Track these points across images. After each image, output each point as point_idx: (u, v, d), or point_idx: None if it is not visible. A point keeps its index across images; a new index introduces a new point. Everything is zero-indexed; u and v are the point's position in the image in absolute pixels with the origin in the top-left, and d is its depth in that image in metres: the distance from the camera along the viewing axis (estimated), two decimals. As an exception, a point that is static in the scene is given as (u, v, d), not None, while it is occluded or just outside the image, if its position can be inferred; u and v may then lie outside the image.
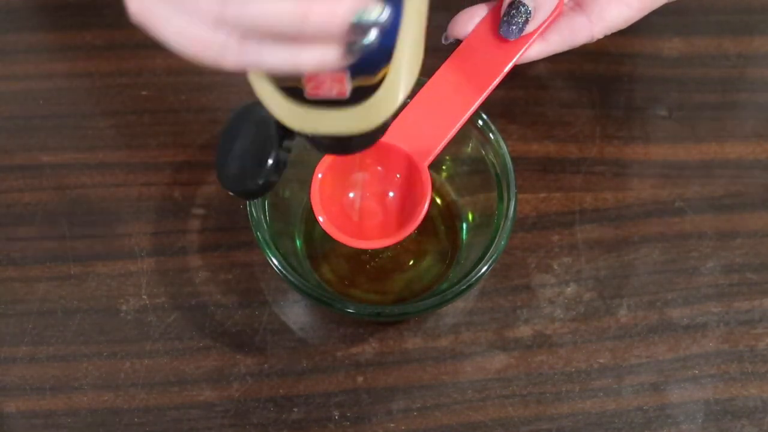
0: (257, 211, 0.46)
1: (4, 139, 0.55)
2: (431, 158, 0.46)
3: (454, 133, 0.46)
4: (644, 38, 0.59)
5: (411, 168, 0.45)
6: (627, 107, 0.57)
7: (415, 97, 0.46)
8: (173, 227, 0.53)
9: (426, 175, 0.45)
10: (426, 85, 0.46)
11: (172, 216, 0.53)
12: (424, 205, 0.45)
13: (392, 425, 0.48)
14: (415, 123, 0.45)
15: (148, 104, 0.56)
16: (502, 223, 0.46)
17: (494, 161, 0.48)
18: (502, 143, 0.47)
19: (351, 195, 0.47)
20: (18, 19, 0.59)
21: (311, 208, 0.52)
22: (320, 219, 0.45)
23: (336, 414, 0.48)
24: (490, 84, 0.46)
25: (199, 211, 0.53)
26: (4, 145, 0.55)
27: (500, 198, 0.47)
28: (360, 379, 0.49)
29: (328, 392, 0.49)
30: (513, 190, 0.46)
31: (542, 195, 0.54)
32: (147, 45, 0.58)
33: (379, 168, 0.47)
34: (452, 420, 0.48)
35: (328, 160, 0.45)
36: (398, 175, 0.46)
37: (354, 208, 0.47)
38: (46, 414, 0.48)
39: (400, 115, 0.45)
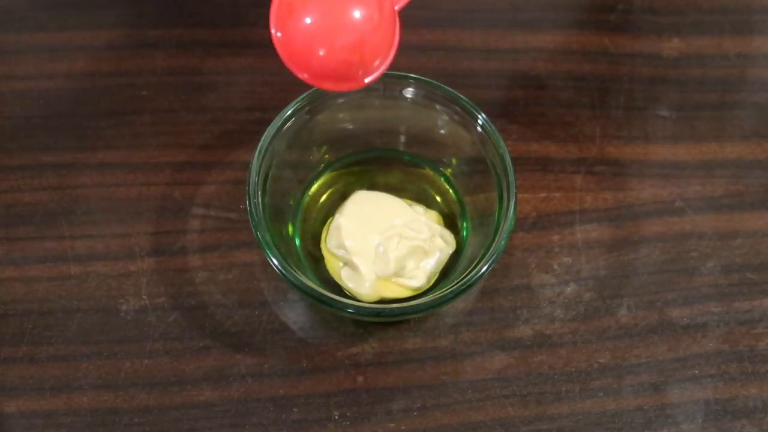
0: (257, 211, 0.46)
1: (4, 139, 0.55)
2: (403, 3, 0.42)
3: None
4: (644, 38, 0.59)
5: (384, 5, 0.41)
6: (627, 107, 0.57)
7: None
8: (173, 227, 0.53)
9: (396, 18, 0.42)
10: None
11: (172, 216, 0.53)
12: (390, 53, 0.42)
13: (392, 425, 0.48)
14: None
15: (148, 104, 0.56)
16: (502, 223, 0.46)
17: (494, 161, 0.48)
18: (502, 143, 0.47)
19: (309, 21, 0.41)
20: (18, 19, 0.59)
21: (309, 207, 0.52)
22: (276, 34, 0.41)
23: (336, 414, 0.48)
24: None
25: (199, 211, 0.53)
26: (4, 145, 0.55)
27: (500, 198, 0.47)
28: (360, 379, 0.49)
29: (328, 392, 0.49)
30: (513, 190, 0.46)
31: (542, 195, 0.54)
32: (147, 45, 0.58)
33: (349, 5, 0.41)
34: (452, 420, 0.48)
35: None
36: (367, 10, 0.41)
37: (314, 38, 0.41)
38: (46, 414, 0.48)
39: None
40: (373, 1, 0.41)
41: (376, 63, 0.42)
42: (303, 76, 0.41)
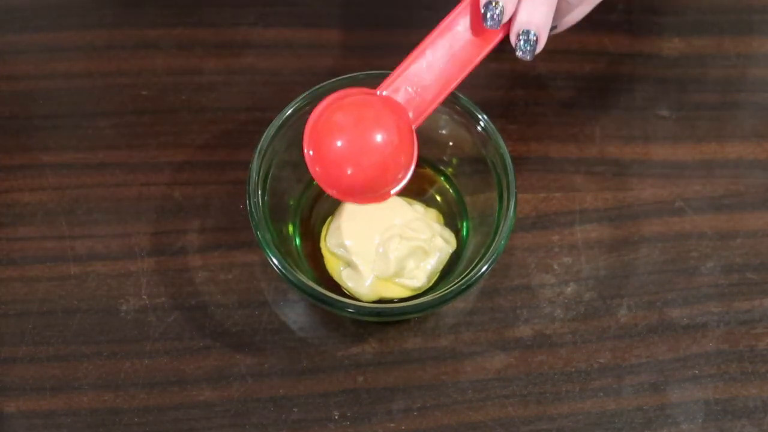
0: (257, 211, 0.46)
1: (4, 139, 0.55)
2: (420, 121, 0.46)
3: (443, 100, 0.46)
4: (644, 38, 0.59)
5: (403, 127, 0.45)
6: (627, 107, 0.57)
7: (410, 57, 0.46)
8: (173, 227, 0.53)
9: (414, 136, 0.45)
10: (420, 46, 0.46)
11: (172, 216, 0.53)
12: (411, 166, 0.45)
13: (392, 425, 0.48)
14: (409, 84, 0.46)
15: (148, 104, 0.56)
16: (502, 222, 0.46)
17: (494, 161, 0.48)
18: (502, 143, 0.47)
19: (339, 144, 0.46)
20: (18, 19, 0.59)
21: (309, 207, 0.52)
22: (309, 152, 0.45)
23: (336, 414, 0.48)
24: (483, 52, 0.46)
25: (199, 211, 0.53)
26: (4, 145, 0.55)
27: (500, 198, 0.47)
28: (360, 379, 0.49)
29: (328, 392, 0.49)
30: (513, 190, 0.46)
31: (542, 195, 0.54)
32: (147, 45, 0.58)
33: (373, 122, 0.46)
34: (452, 420, 0.48)
35: (324, 104, 0.45)
36: (387, 134, 0.46)
37: (342, 159, 0.46)
38: (46, 414, 0.48)
39: (394, 75, 0.46)
40: (393, 125, 0.45)
41: (399, 176, 0.46)
42: (332, 192, 0.46)
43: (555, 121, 0.56)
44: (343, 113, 0.46)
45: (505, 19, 0.45)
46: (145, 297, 0.51)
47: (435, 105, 0.46)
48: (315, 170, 0.45)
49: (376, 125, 0.46)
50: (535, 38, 0.45)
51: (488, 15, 0.45)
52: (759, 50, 0.59)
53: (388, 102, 0.46)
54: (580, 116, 0.56)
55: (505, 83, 0.58)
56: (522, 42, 0.45)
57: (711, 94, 0.58)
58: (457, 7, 0.46)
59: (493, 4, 0.45)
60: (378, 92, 0.46)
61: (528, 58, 0.46)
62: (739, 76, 0.58)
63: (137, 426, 0.48)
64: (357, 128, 0.46)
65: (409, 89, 0.46)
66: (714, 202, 0.54)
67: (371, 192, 0.46)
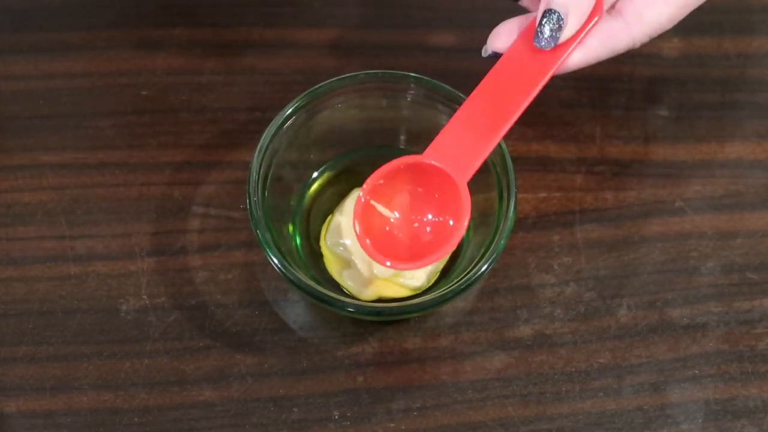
0: (257, 210, 0.46)
1: (4, 139, 0.55)
2: (470, 176, 0.45)
3: (491, 150, 0.45)
4: (644, 38, 0.59)
5: (450, 188, 0.45)
6: (627, 107, 0.57)
7: (455, 116, 0.45)
8: (173, 227, 0.53)
9: (465, 194, 0.45)
10: (465, 102, 0.45)
11: (172, 216, 0.53)
12: (463, 223, 0.45)
13: (392, 425, 0.48)
14: (454, 141, 0.45)
15: (148, 104, 0.56)
16: (502, 222, 0.46)
17: (494, 161, 0.48)
18: (502, 143, 0.47)
19: (391, 218, 0.47)
20: (18, 19, 0.59)
21: (309, 206, 0.52)
22: (366, 242, 0.45)
23: (336, 414, 0.48)
24: (529, 96, 0.45)
25: (199, 211, 0.53)
26: (4, 145, 0.55)
27: (500, 198, 0.47)
28: (360, 379, 0.49)
29: (328, 392, 0.49)
30: (513, 190, 0.46)
31: (542, 195, 0.54)
32: (147, 45, 0.58)
33: (419, 189, 0.46)
34: (452, 420, 0.48)
35: (370, 182, 0.45)
36: (437, 195, 0.46)
37: (394, 231, 0.47)
38: (46, 414, 0.48)
39: (440, 135, 0.45)
40: (438, 198, 0.46)
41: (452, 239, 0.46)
42: (385, 263, 0.45)
43: (555, 121, 0.56)
44: (390, 195, 0.46)
45: (563, 35, 0.43)
46: (145, 297, 0.51)
47: (480, 162, 0.45)
48: (365, 244, 0.45)
49: (418, 198, 0.46)
50: (557, 19, 0.43)
51: (544, 29, 0.43)
52: (759, 50, 0.59)
53: (432, 169, 0.45)
54: (580, 116, 0.56)
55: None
56: (545, 24, 0.43)
57: (711, 94, 0.58)
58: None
59: (553, 13, 0.43)
60: (424, 159, 0.45)
61: (543, 44, 0.44)
62: (739, 76, 0.58)
63: (137, 426, 0.48)
64: (400, 207, 0.47)
65: (454, 150, 0.45)
66: (714, 202, 0.54)
67: (425, 259, 0.45)
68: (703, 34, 0.59)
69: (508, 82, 0.45)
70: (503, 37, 0.46)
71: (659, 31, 0.47)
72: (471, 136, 0.45)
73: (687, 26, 0.60)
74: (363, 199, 0.45)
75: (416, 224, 0.47)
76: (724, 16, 0.60)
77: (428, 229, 0.47)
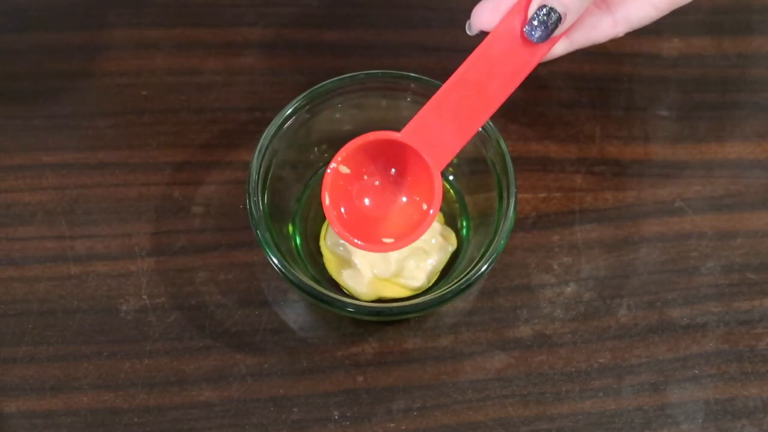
0: (257, 210, 0.46)
1: (4, 139, 0.55)
2: (445, 164, 0.44)
3: (470, 139, 0.44)
4: (644, 38, 0.59)
5: (424, 173, 0.44)
6: (627, 107, 0.57)
7: (435, 96, 0.43)
8: (173, 227, 0.53)
9: (438, 183, 0.43)
10: (446, 83, 0.44)
11: (172, 216, 0.53)
12: (432, 212, 0.44)
13: (392, 425, 0.48)
14: (434, 124, 0.43)
15: (148, 104, 0.56)
16: (502, 222, 0.46)
17: (494, 161, 0.48)
18: (502, 143, 0.47)
19: (362, 197, 0.46)
20: (18, 19, 0.59)
21: (309, 206, 0.52)
22: (333, 214, 0.44)
23: (336, 414, 0.48)
24: (512, 87, 0.44)
25: (199, 210, 0.53)
26: (4, 145, 0.55)
27: (500, 198, 0.47)
28: (360, 379, 0.49)
29: (328, 392, 0.49)
30: (513, 190, 0.46)
31: (542, 195, 0.54)
32: (147, 45, 0.58)
33: (392, 170, 0.46)
34: (452, 420, 0.48)
35: (343, 151, 0.44)
36: (409, 177, 0.45)
37: (363, 209, 0.46)
38: (46, 414, 0.48)
39: (419, 114, 0.43)
40: (411, 176, 0.45)
41: (421, 224, 0.44)
42: (353, 242, 0.44)
43: (555, 121, 0.56)
44: (358, 167, 0.45)
45: (559, 29, 0.43)
46: (145, 297, 0.51)
47: (458, 149, 0.44)
48: (334, 224, 0.44)
49: (390, 179, 0.45)
50: (556, 19, 0.42)
51: (541, 25, 0.42)
52: (759, 50, 0.59)
53: (407, 150, 0.44)
54: (580, 116, 0.56)
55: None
56: (540, 19, 0.42)
57: (711, 94, 0.58)
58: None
59: (553, 12, 0.42)
60: (399, 136, 0.44)
61: (536, 39, 0.43)
62: (739, 76, 0.58)
63: (137, 426, 0.48)
64: (372, 185, 0.45)
65: (431, 133, 0.44)
66: (714, 202, 0.54)
67: (397, 241, 0.44)
68: (703, 34, 0.59)
69: (493, 68, 0.44)
70: (490, 14, 0.44)
71: (645, 23, 0.47)
72: (451, 123, 0.43)
73: (687, 26, 0.60)
74: (332, 167, 0.44)
75: (388, 203, 0.45)
76: (724, 16, 0.60)
77: (400, 210, 0.45)
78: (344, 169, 0.44)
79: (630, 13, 0.46)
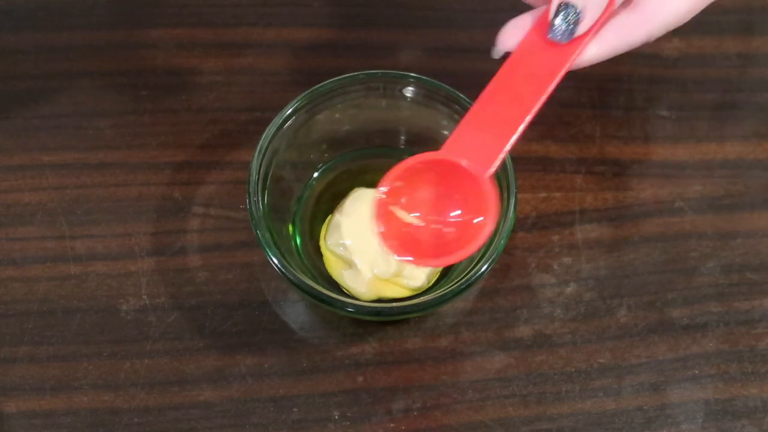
0: (257, 210, 0.46)
1: (4, 139, 0.55)
2: (490, 170, 0.43)
3: (513, 144, 0.44)
4: (644, 38, 0.59)
5: (471, 184, 0.43)
6: (627, 107, 0.57)
7: (469, 112, 0.44)
8: (173, 227, 0.53)
9: (489, 187, 0.43)
10: (479, 99, 0.44)
11: (172, 216, 0.53)
12: (489, 218, 0.43)
13: (392, 425, 0.48)
14: (471, 138, 0.43)
15: (148, 104, 0.56)
16: (502, 222, 0.46)
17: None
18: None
19: (410, 216, 0.45)
20: (18, 19, 0.59)
21: (309, 206, 0.52)
22: (384, 243, 0.43)
23: (336, 414, 0.48)
24: (546, 90, 0.44)
25: (199, 210, 0.53)
26: (4, 145, 0.55)
27: (500, 198, 0.47)
28: (360, 379, 0.49)
29: (328, 392, 0.49)
30: (513, 190, 0.46)
31: (542, 195, 0.54)
32: (147, 45, 0.58)
33: (439, 188, 0.45)
34: (452, 420, 0.48)
35: (389, 178, 0.44)
36: (457, 193, 0.45)
37: (414, 229, 0.45)
38: (46, 414, 0.48)
39: (456, 131, 0.43)
40: (458, 194, 0.44)
41: (479, 235, 0.44)
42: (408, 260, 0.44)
43: (555, 121, 0.56)
44: (409, 192, 0.44)
45: (580, 28, 0.42)
46: (145, 297, 0.51)
47: (502, 154, 0.43)
48: (389, 245, 0.43)
49: (439, 196, 0.45)
50: (575, 16, 0.42)
51: (560, 23, 0.42)
52: (759, 50, 0.59)
53: (452, 167, 0.44)
54: (580, 116, 0.56)
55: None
56: (560, 18, 0.42)
57: (711, 94, 0.58)
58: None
59: (570, 7, 0.42)
60: (443, 156, 0.43)
61: (558, 38, 0.43)
62: (739, 76, 0.58)
63: (137, 426, 0.48)
64: (421, 205, 0.45)
65: (472, 145, 0.43)
66: (714, 202, 0.54)
67: (451, 255, 0.44)
68: (703, 34, 0.59)
69: (523, 77, 0.44)
70: (513, 34, 0.44)
71: (677, 24, 0.46)
72: (488, 133, 0.43)
73: (687, 26, 0.59)
74: (380, 199, 0.43)
75: (437, 225, 0.45)
76: (724, 16, 0.60)
77: (450, 228, 0.45)
78: (391, 194, 0.44)
79: (660, 7, 0.45)
